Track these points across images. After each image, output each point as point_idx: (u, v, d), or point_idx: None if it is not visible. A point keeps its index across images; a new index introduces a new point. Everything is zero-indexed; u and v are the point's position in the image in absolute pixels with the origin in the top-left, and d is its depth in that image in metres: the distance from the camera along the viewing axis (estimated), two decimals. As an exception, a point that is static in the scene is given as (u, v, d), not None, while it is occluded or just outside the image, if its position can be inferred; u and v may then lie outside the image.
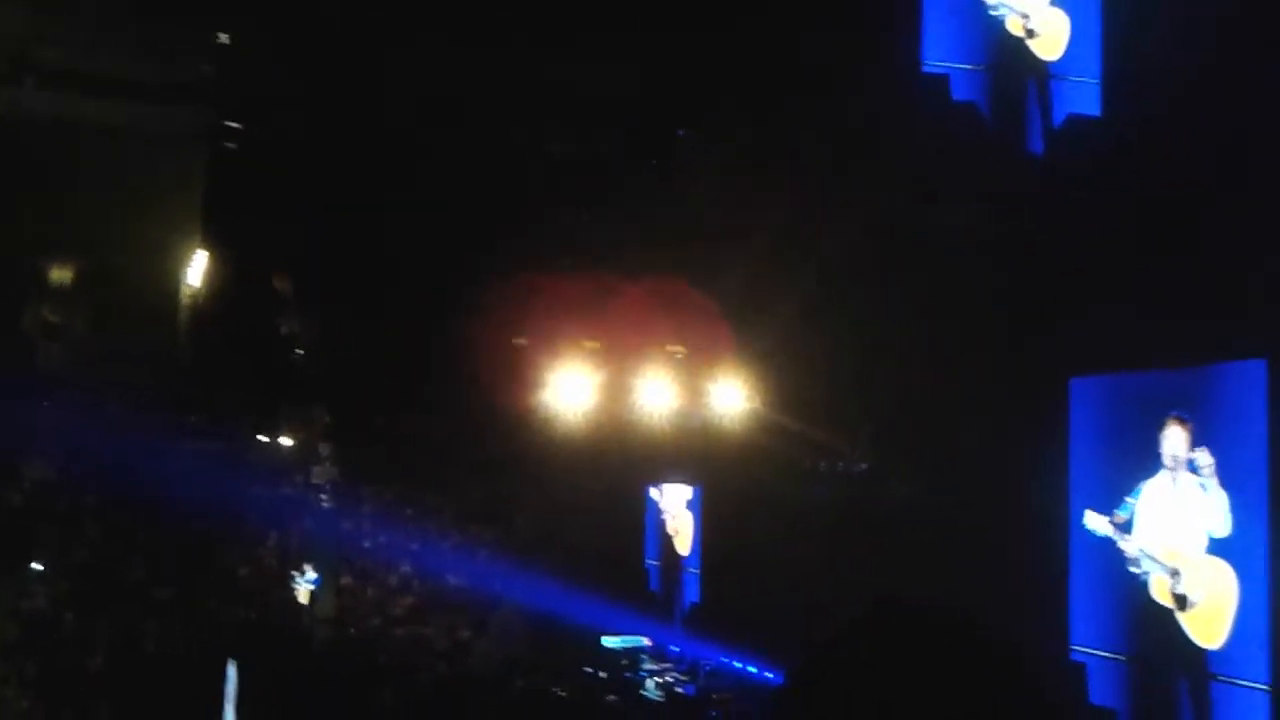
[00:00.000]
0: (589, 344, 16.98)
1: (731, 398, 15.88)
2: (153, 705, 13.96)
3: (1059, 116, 10.91)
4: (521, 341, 17.00)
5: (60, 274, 18.54)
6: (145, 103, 19.66)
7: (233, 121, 19.40)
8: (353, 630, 16.09)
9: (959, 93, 11.63)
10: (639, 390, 16.72)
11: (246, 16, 18.57)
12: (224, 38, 19.43)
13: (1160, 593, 9.11)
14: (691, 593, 15.60)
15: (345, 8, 17.87)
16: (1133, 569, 9.27)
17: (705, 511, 15.58)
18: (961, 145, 11.64)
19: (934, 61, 11.70)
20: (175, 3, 18.45)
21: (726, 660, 14.52)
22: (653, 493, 16.76)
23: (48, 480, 16.53)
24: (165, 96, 19.80)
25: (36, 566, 15.30)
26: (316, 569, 16.53)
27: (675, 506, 16.20)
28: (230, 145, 19.47)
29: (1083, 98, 10.66)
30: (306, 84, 18.75)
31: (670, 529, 16.20)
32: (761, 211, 13.07)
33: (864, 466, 14.28)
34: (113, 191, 18.38)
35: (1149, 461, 9.18)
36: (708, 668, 14.61)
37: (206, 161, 19.53)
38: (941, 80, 11.64)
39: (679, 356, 16.48)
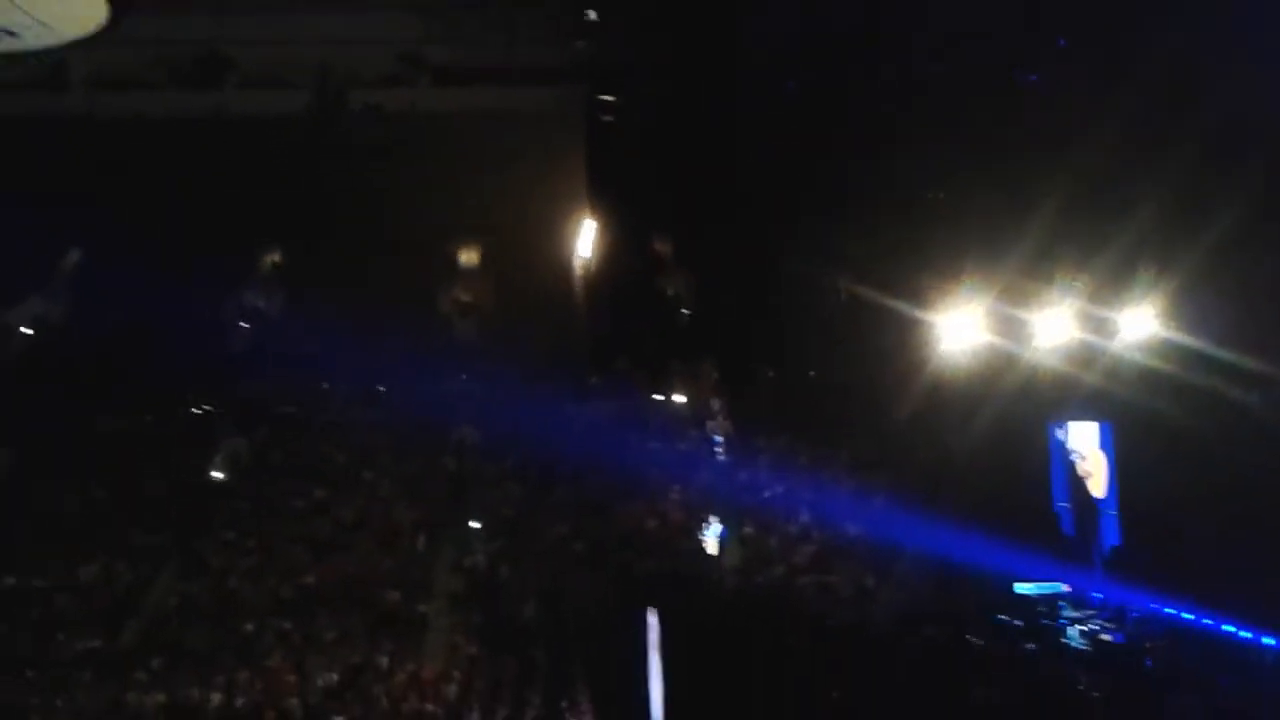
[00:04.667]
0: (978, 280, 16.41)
1: (1141, 328, 14.90)
2: (583, 651, 14.84)
3: None
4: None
5: (467, 256, 20.06)
6: (525, 87, 20.83)
7: (607, 95, 20.21)
8: (759, 579, 16.40)
9: None
10: (1036, 324, 16.01)
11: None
12: (592, 15, 20.25)
13: None
14: (1111, 536, 14.80)
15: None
16: None
17: (1120, 450, 14.72)
18: None
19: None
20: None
21: (1155, 606, 13.69)
22: (1058, 433, 16.01)
23: (476, 445, 17.96)
24: (543, 79, 20.90)
25: (474, 525, 16.66)
26: (719, 520, 16.96)
27: (1086, 447, 15.39)
28: (606, 118, 20.29)
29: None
30: (673, 50, 19.23)
31: (1081, 470, 15.42)
32: (1178, 127, 12.11)
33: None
34: (504, 174, 19.58)
35: None
36: (1135, 614, 13.83)
37: (586, 136, 20.47)
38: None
39: (1078, 286, 15.59)
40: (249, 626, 14.74)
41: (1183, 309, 14.43)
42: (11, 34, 6.43)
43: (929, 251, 16.97)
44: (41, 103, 20.43)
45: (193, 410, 18.11)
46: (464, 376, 18.75)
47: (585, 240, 19.96)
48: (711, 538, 16.67)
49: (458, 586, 15.95)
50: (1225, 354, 13.90)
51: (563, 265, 20.01)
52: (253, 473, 17.28)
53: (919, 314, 17.07)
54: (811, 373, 19.56)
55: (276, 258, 19.23)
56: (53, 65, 20.15)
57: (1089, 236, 15.23)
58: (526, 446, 17.83)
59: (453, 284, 19.45)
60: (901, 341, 17.37)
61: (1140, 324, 15.01)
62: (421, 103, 21.12)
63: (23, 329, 18.03)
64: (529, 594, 15.93)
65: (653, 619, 14.51)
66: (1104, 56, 15.39)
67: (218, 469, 16.77)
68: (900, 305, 17.11)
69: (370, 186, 19.34)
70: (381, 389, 18.72)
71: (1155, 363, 14.56)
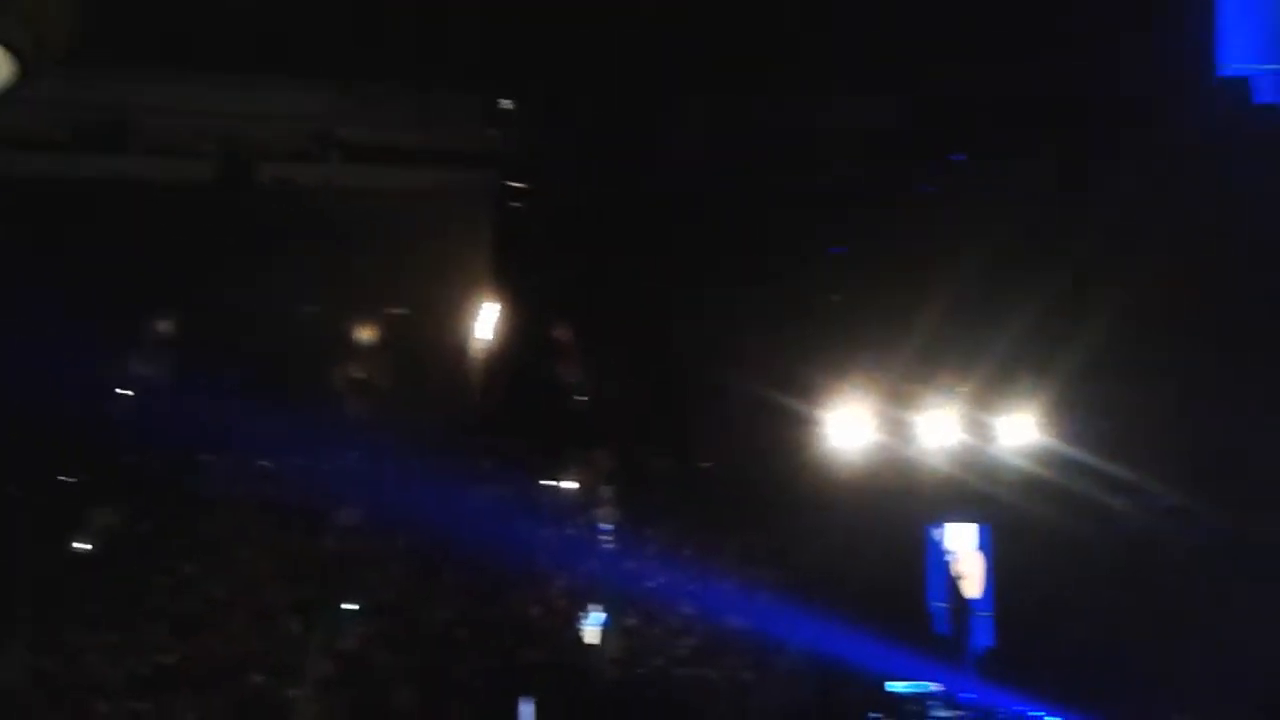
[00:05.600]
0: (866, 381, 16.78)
1: (1020, 434, 15.27)
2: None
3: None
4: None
5: (363, 332, 19.92)
6: (437, 169, 20.97)
7: (516, 181, 20.41)
8: (639, 670, 16.27)
9: (1261, 95, 10.84)
10: (920, 427, 16.33)
11: (526, 82, 19.60)
12: (506, 104, 20.54)
13: None
14: (984, 636, 14.97)
15: (615, 69, 18.55)
16: None
17: (997, 552, 14.98)
18: (1266, 149, 10.84)
19: (1232, 64, 10.95)
20: (459, 75, 19.69)
21: (1024, 708, 13.82)
22: (935, 533, 16.24)
23: (357, 525, 17.63)
24: (454, 161, 21.07)
25: (349, 607, 16.29)
26: (602, 609, 16.85)
27: (962, 547, 15.63)
28: (514, 204, 20.47)
29: None
30: (584, 142, 19.55)
31: (955, 570, 15.64)
32: (1056, 238, 12.59)
33: (1170, 503, 13.38)
34: (407, 253, 19.57)
35: None
36: (1004, 716, 13.95)
37: (493, 220, 20.61)
38: (1241, 83, 10.87)
39: (959, 392, 16.00)
40: (102, 707, 14.21)
41: (1060, 418, 14.87)
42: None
43: (822, 350, 17.30)
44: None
45: (61, 479, 17.55)
46: (352, 454, 18.48)
47: (486, 323, 19.95)
48: (593, 627, 16.52)
49: (329, 670, 15.53)
50: (1098, 462, 14.30)
51: (461, 347, 19.97)
52: (120, 546, 16.75)
53: (810, 411, 17.33)
54: (703, 464, 19.64)
55: (165, 325, 18.92)
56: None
57: (973, 343, 15.65)
58: (412, 528, 17.56)
59: (347, 360, 19.28)
60: (793, 437, 17.59)
61: (1020, 430, 15.42)
62: (331, 179, 21.12)
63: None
64: (404, 679, 15.61)
65: (527, 708, 14.34)
66: (996, 169, 16.01)
67: (83, 540, 16.24)
68: (793, 402, 17.35)
69: (271, 259, 19.20)
70: (265, 464, 18.35)
71: (1033, 468, 14.92)
